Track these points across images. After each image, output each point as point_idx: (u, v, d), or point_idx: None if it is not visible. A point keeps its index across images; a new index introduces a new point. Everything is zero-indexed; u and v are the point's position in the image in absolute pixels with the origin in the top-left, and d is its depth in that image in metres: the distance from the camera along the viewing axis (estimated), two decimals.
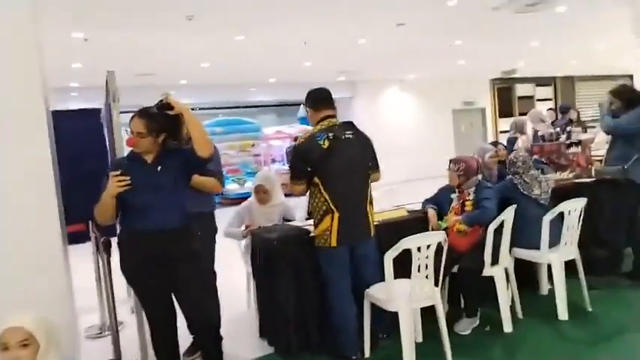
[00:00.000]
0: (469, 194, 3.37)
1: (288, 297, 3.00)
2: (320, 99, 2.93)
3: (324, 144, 2.77)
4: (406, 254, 2.67)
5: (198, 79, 10.17)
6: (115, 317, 2.77)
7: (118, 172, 2.26)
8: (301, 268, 3.04)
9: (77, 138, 3.58)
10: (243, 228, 3.65)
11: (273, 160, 12.34)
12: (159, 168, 2.39)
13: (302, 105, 18.19)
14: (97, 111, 3.77)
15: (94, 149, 3.89)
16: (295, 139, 12.59)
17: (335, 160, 2.79)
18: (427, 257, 2.73)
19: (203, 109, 12.54)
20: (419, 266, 2.71)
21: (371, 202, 2.96)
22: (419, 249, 2.69)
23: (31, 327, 1.83)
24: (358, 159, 2.89)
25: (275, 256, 3.02)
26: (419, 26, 7.17)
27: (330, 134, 2.80)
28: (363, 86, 13.00)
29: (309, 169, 2.78)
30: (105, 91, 3.06)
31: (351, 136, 2.88)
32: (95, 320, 3.75)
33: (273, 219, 3.69)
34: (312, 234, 3.01)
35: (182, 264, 2.40)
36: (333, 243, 2.80)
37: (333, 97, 2.96)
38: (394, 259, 2.66)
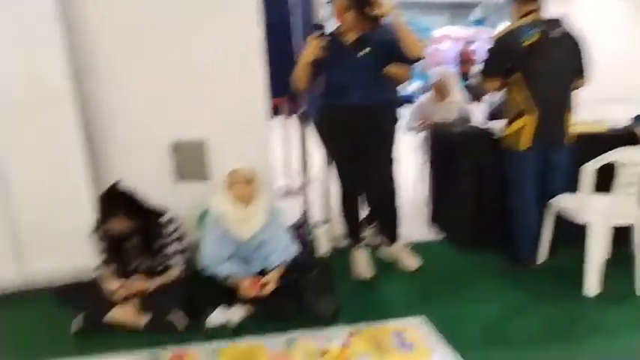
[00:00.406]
0: None
1: (468, 191, 3.00)
2: None
3: (528, 39, 2.55)
4: (605, 171, 2.45)
5: None
6: (306, 180, 3.09)
7: (317, 35, 2.36)
8: (482, 167, 2.99)
9: (272, 16, 3.67)
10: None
11: (442, 62, 11.74)
12: (359, 53, 2.46)
13: (479, 5, 16.53)
14: None
15: (279, 26, 3.99)
16: (468, 42, 11.85)
17: (539, 57, 2.57)
18: (634, 174, 2.46)
19: None
20: (622, 182, 2.47)
21: (570, 110, 2.70)
22: (626, 164, 2.43)
23: (251, 171, 2.25)
24: (564, 60, 2.64)
25: (457, 150, 3.01)
26: None
27: (536, 30, 2.55)
28: None
29: (509, 64, 2.60)
30: None
31: (559, 34, 2.58)
32: (281, 184, 4.20)
33: (450, 117, 3.64)
34: (495, 136, 2.89)
35: (373, 140, 2.56)
36: (526, 144, 2.68)
37: None
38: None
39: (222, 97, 2.66)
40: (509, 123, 2.74)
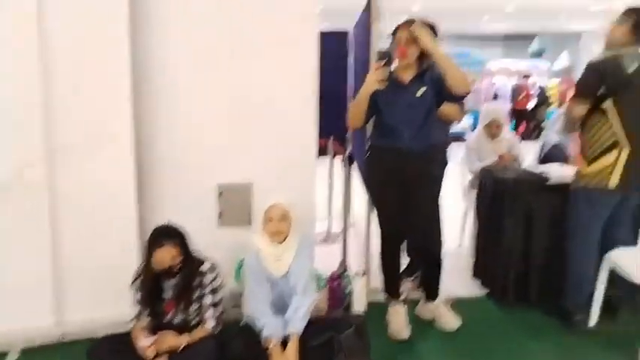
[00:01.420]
0: None
1: (514, 243, 2.85)
2: None
3: (629, 68, 2.40)
4: None
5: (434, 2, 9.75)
6: (347, 225, 3.04)
7: (382, 63, 2.32)
8: (532, 216, 2.83)
9: (323, 57, 3.75)
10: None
11: (496, 96, 11.45)
12: (417, 93, 2.41)
13: (535, 37, 16.15)
14: (345, 33, 3.95)
15: (336, 69, 4.06)
16: (525, 77, 11.51)
17: (637, 88, 2.41)
18: None
19: None
20: None
21: None
22: None
23: (287, 206, 2.23)
24: None
25: (507, 197, 2.87)
26: None
27: (637, 60, 2.41)
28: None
29: (604, 90, 2.43)
30: (354, 17, 3.18)
31: None
32: (322, 228, 4.16)
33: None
34: (550, 181, 2.74)
35: (420, 186, 2.47)
36: (613, 183, 2.46)
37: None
38: None
39: (272, 137, 2.65)
40: (593, 159, 2.52)
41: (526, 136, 10.76)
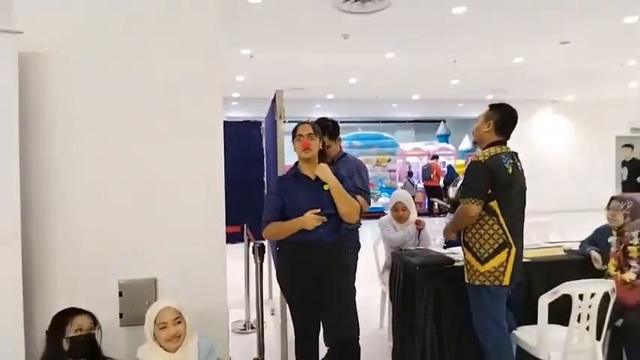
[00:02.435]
0: (632, 238, 2.91)
1: (426, 325, 2.89)
2: (510, 122, 2.65)
3: (509, 169, 2.54)
4: (562, 299, 2.40)
5: (344, 94, 10.50)
6: (262, 319, 2.93)
7: (318, 210, 2.38)
8: (441, 298, 2.91)
9: (238, 145, 3.83)
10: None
11: (410, 174, 12.14)
12: (324, 186, 2.47)
13: (442, 122, 17.59)
14: (258, 123, 4.06)
15: (251, 157, 4.16)
16: (434, 157, 12.44)
17: (514, 189, 2.56)
18: (590, 307, 2.42)
19: (343, 122, 12.89)
20: (579, 315, 2.41)
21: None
22: (581, 296, 2.39)
23: (178, 307, 2.11)
24: (524, 192, 2.68)
25: (416, 280, 2.94)
26: (586, 45, 6.50)
27: (511, 160, 2.58)
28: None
29: (490, 191, 2.51)
30: (269, 105, 3.29)
31: (520, 166, 2.67)
32: (241, 316, 4.01)
33: (409, 240, 3.65)
34: (457, 263, 2.86)
35: (334, 277, 2.46)
36: (506, 281, 2.53)
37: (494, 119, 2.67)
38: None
39: (177, 229, 2.52)
40: (487, 259, 2.54)
41: (438, 213, 11.40)
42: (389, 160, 12.29)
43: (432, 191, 11.75)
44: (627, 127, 12.55)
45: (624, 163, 8.83)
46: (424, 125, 17.79)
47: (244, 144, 4.02)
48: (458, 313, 2.87)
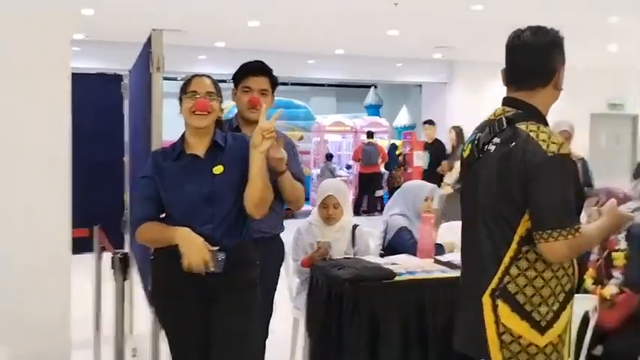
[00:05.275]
0: (618, 242, 3.22)
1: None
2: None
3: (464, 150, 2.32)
4: None
5: (240, 42, 10.38)
6: (121, 354, 2.86)
7: (216, 249, 2.37)
8: (379, 323, 3.00)
9: (88, 111, 3.71)
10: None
11: (330, 157, 12.35)
12: (214, 169, 2.44)
13: (372, 88, 18.17)
14: (118, 78, 3.90)
15: (107, 129, 4.01)
16: (370, 134, 12.64)
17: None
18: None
19: None
20: None
21: None
22: None
23: None
24: None
25: (345, 300, 3.01)
26: None
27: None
28: (464, 69, 12.88)
29: None
30: (133, 52, 3.16)
31: None
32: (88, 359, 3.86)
33: (340, 247, 3.70)
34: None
35: (228, 297, 2.45)
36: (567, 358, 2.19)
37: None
38: None
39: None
40: (550, 321, 2.10)
41: (366, 211, 11.77)
42: (301, 138, 12.43)
43: (370, 180, 12.01)
44: (604, 102, 13.78)
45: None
46: (349, 91, 18.27)
47: (97, 109, 3.85)
48: (405, 348, 2.98)
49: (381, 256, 3.76)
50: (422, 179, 8.91)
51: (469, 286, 2.18)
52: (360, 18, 8.53)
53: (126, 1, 7.65)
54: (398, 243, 3.84)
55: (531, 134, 2.00)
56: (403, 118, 15.68)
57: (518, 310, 2.03)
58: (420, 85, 14.36)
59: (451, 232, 4.58)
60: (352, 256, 3.64)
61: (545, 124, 2.09)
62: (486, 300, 2.06)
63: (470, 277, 2.21)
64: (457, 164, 8.14)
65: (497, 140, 2.09)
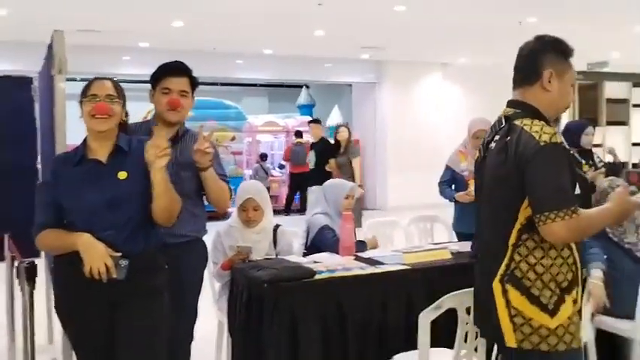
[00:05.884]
0: None
1: None
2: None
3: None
4: (451, 316, 2.65)
5: (166, 43, 10.23)
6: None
7: (119, 255, 2.33)
8: (298, 324, 3.01)
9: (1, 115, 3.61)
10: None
11: (264, 157, 12.33)
12: (119, 174, 2.41)
13: (304, 88, 18.25)
14: (28, 80, 3.77)
15: (17, 132, 3.89)
16: (298, 134, 12.71)
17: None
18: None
19: None
20: (467, 334, 2.69)
21: None
22: (468, 310, 2.67)
23: None
24: None
25: (265, 302, 3.01)
26: None
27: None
28: (392, 69, 13.09)
29: None
30: (45, 55, 3.08)
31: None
32: None
33: (261, 248, 3.70)
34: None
35: (133, 304, 2.43)
36: (578, 341, 2.26)
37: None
38: (433, 322, 2.63)
39: None
40: (555, 307, 2.23)
41: (300, 210, 11.79)
42: (233, 139, 12.36)
43: (301, 179, 12.02)
44: None
45: None
46: (281, 92, 18.29)
47: (6, 112, 3.73)
48: (324, 346, 3.00)
49: (304, 255, 3.79)
50: (310, 177, 9.18)
51: (482, 275, 2.38)
52: (286, 18, 8.56)
53: (41, 1, 7.39)
54: (320, 241, 3.90)
55: (525, 127, 2.19)
56: (335, 117, 15.82)
57: (527, 295, 2.19)
58: (351, 85, 14.53)
59: (372, 229, 4.70)
60: (274, 256, 3.65)
61: (542, 119, 2.25)
62: (496, 285, 2.24)
63: (481, 266, 2.41)
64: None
65: (497, 137, 2.33)
